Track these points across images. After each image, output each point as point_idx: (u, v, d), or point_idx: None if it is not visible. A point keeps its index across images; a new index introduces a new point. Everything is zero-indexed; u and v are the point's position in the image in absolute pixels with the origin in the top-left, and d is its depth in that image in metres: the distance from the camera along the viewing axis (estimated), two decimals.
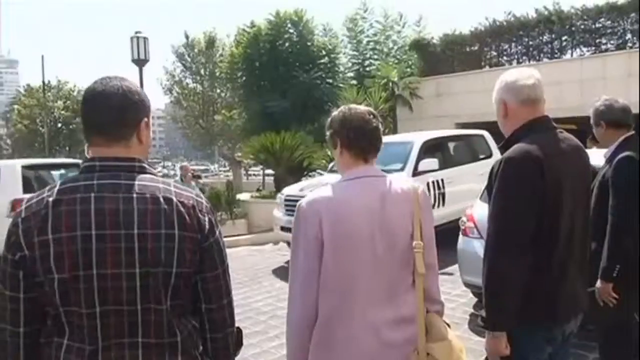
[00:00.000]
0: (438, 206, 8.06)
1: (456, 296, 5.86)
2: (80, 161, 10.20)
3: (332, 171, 9.26)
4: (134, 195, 1.39)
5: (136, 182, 1.42)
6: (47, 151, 34.48)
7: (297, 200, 9.11)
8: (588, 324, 2.37)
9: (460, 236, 5.39)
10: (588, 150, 2.29)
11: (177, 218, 1.41)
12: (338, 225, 1.79)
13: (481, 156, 9.65)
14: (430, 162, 8.11)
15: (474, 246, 5.02)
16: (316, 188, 9.16)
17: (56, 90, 41.27)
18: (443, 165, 8.55)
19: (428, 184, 7.88)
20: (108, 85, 1.46)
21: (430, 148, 8.75)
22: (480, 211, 4.88)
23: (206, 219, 1.48)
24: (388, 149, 9.07)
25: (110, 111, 1.44)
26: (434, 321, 1.88)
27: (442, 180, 8.26)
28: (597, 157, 2.39)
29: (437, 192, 8.18)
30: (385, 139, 10.22)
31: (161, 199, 1.41)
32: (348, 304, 1.81)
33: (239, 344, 1.64)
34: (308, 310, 1.81)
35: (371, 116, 1.93)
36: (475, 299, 5.56)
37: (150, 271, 1.38)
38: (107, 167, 1.43)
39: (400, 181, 1.93)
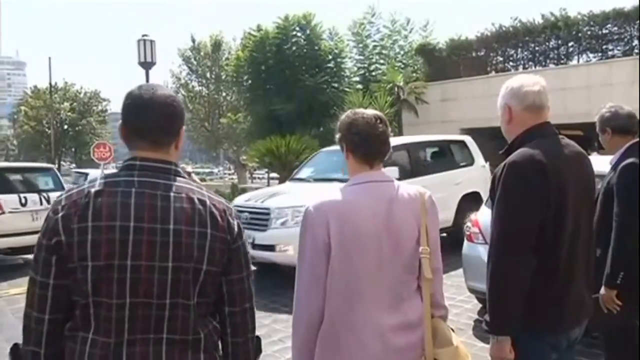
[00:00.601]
0: None
1: (460, 302, 5.85)
2: (51, 166, 10.54)
3: (292, 179, 8.85)
4: (172, 194, 1.46)
5: (173, 183, 1.49)
6: (53, 152, 34.64)
7: (242, 211, 8.66)
8: (592, 331, 2.35)
9: (465, 242, 5.38)
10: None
11: (210, 218, 1.48)
12: (345, 228, 1.79)
13: (462, 163, 9.05)
14: (388, 172, 7.41)
15: (478, 252, 5.01)
16: (262, 198, 8.78)
17: (63, 92, 41.53)
18: (410, 174, 7.80)
19: None
20: (155, 94, 1.53)
21: (395, 155, 7.92)
22: (485, 217, 4.86)
23: (235, 222, 1.55)
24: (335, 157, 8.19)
25: (159, 120, 1.52)
26: (439, 326, 1.88)
27: None
28: (599, 164, 2.38)
29: None
30: None
31: (196, 200, 1.48)
32: (353, 307, 1.81)
33: (258, 351, 1.66)
34: (314, 313, 1.82)
35: (377, 121, 1.91)
36: (479, 305, 5.54)
37: (182, 266, 1.43)
38: (146, 167, 1.50)
39: (407, 186, 1.94)
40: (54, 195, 8.82)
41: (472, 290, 5.32)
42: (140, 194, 1.43)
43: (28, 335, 1.45)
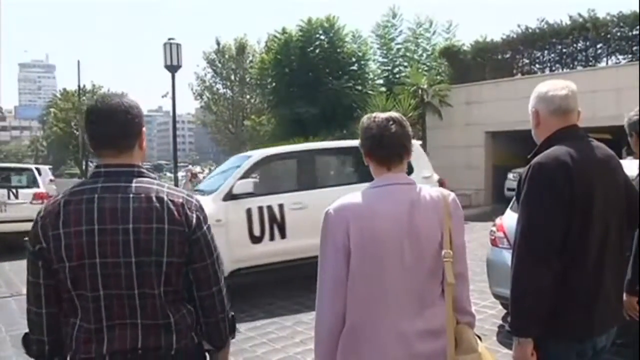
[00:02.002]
0: (272, 239, 6.36)
1: (485, 307, 5.78)
2: (29, 167, 12.08)
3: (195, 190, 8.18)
4: (131, 196, 1.61)
5: (133, 185, 1.64)
6: (81, 153, 35.29)
7: None
8: (617, 339, 2.31)
9: (490, 246, 5.31)
10: (622, 161, 2.25)
11: (167, 214, 1.62)
12: (365, 232, 1.78)
13: None
14: (245, 184, 6.35)
15: (504, 257, 4.92)
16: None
17: (91, 94, 42.10)
18: (304, 186, 6.75)
19: (250, 210, 6.29)
20: (110, 103, 1.67)
21: (277, 165, 7.27)
22: (510, 221, 4.79)
23: (194, 215, 1.68)
24: (230, 166, 7.61)
25: (117, 127, 1.66)
26: (464, 333, 1.84)
27: (282, 205, 6.41)
28: (627, 168, 2.34)
29: (268, 221, 6.35)
30: (243, 154, 8.02)
31: (154, 198, 1.62)
32: (375, 312, 1.79)
33: (232, 329, 1.83)
34: (336, 316, 1.81)
35: (390, 122, 1.88)
36: (504, 311, 5.45)
37: (144, 260, 1.59)
38: (110, 173, 1.66)
39: (430, 188, 1.91)
40: (23, 191, 10.91)
41: (497, 296, 5.23)
42: (102, 199, 1.60)
43: (32, 327, 1.67)
